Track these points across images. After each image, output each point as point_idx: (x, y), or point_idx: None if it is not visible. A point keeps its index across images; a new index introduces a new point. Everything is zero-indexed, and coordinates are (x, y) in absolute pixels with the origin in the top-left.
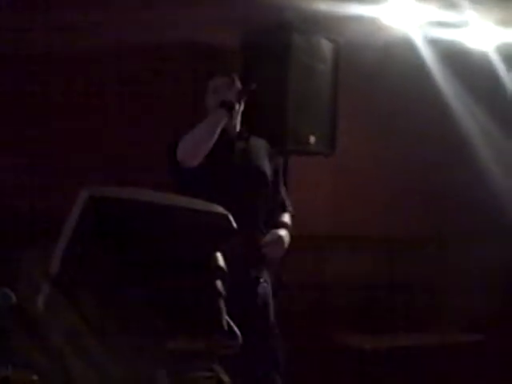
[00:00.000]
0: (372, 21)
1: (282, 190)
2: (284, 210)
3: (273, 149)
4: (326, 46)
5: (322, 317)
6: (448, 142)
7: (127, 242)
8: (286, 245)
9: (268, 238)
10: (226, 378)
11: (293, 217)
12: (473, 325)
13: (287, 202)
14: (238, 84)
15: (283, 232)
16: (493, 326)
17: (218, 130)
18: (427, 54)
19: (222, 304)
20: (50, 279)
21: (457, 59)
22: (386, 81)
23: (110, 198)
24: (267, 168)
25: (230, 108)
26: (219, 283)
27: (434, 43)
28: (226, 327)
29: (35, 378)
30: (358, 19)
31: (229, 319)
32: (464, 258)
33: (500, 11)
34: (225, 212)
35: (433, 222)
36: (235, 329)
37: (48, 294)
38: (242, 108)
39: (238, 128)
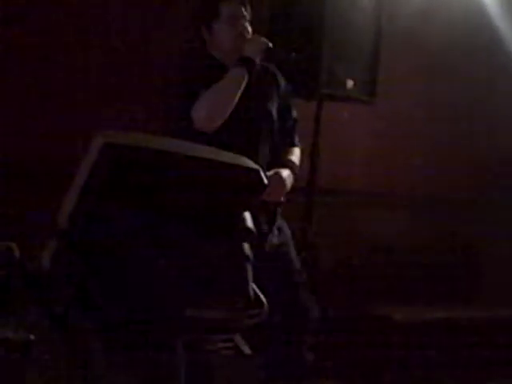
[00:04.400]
0: None
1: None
2: (292, 145)
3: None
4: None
5: (351, 280)
6: (498, 91)
7: (145, 196)
8: (288, 186)
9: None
10: (246, 350)
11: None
12: None
13: (296, 137)
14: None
15: (285, 172)
16: None
17: (239, 93)
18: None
19: (248, 269)
20: (57, 234)
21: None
22: (431, 25)
23: (128, 146)
24: (273, 104)
25: (252, 66)
26: (247, 246)
27: None
28: (251, 295)
29: (32, 337)
30: None
31: (255, 286)
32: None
33: None
34: (255, 166)
35: (476, 183)
36: (262, 297)
37: (55, 249)
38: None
39: None
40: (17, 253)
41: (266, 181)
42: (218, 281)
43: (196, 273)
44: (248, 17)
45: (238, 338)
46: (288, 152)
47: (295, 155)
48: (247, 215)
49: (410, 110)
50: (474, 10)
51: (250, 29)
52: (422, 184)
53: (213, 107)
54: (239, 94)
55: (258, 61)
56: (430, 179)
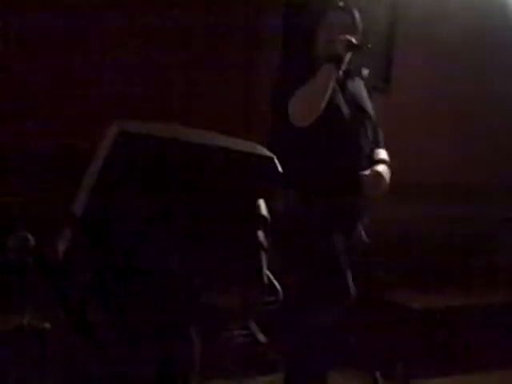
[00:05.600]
0: None
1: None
2: (378, 146)
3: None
4: None
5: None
6: None
7: (161, 184)
8: (387, 181)
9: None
10: (262, 338)
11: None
12: None
13: (381, 138)
14: (358, 22)
15: (381, 167)
16: None
17: (330, 88)
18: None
19: (263, 257)
20: (73, 223)
21: None
22: (449, 13)
23: (144, 135)
24: (369, 105)
25: (339, 62)
26: (261, 234)
27: None
28: (266, 282)
29: (47, 325)
30: None
31: (270, 273)
32: None
33: None
34: (270, 154)
35: (494, 170)
36: (276, 284)
37: (71, 238)
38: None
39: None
40: (32, 241)
41: (280, 169)
42: (233, 268)
43: (210, 260)
44: (354, 26)
45: (254, 326)
46: (377, 152)
47: (384, 154)
48: (262, 203)
49: (425, 98)
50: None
51: (347, 41)
52: (438, 172)
53: (305, 101)
54: (330, 90)
55: (346, 57)
56: (445, 167)
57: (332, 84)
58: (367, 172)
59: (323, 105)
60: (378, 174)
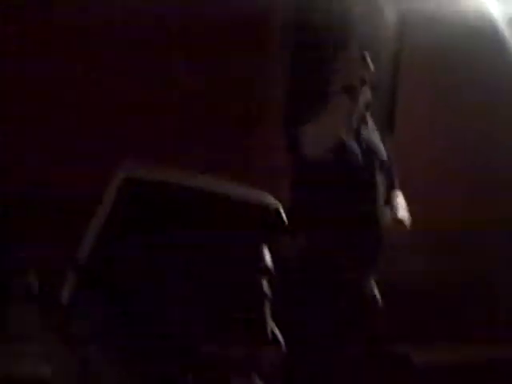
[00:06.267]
0: None
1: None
2: (392, 188)
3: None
4: (389, 14)
5: None
6: None
7: (165, 230)
8: (408, 225)
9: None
10: None
11: None
12: None
13: (396, 182)
14: (369, 62)
15: (401, 213)
16: None
17: (343, 120)
18: (506, 30)
19: (266, 307)
20: (77, 267)
21: None
22: (454, 60)
23: (148, 181)
24: (382, 150)
25: (354, 94)
26: (265, 284)
27: None
28: (269, 334)
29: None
30: None
31: (274, 325)
32: None
33: None
34: (275, 204)
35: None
36: (279, 336)
37: (74, 283)
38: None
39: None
40: (35, 280)
41: (285, 219)
42: (235, 318)
43: (214, 308)
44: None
45: (256, 378)
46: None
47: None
48: (266, 252)
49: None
50: (495, 44)
51: (362, 74)
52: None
53: (318, 130)
54: (342, 122)
55: (359, 90)
56: (447, 209)
57: (345, 115)
58: (388, 217)
59: (335, 135)
60: (401, 222)
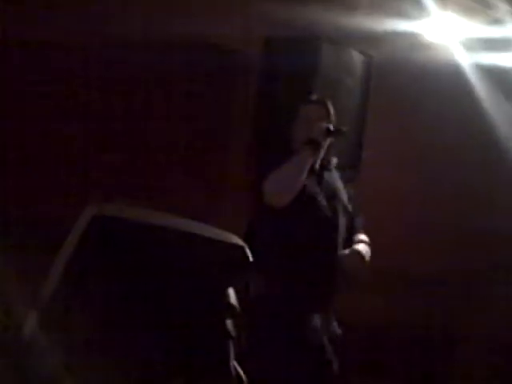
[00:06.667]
0: (412, 37)
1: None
2: (355, 233)
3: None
4: (357, 60)
5: None
6: (494, 172)
7: (132, 268)
8: (367, 258)
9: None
10: None
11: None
12: None
13: (359, 225)
14: (332, 114)
15: (360, 246)
16: None
17: (306, 172)
18: (472, 75)
19: (230, 346)
20: (40, 305)
21: (504, 79)
22: (422, 103)
23: (118, 218)
24: (344, 196)
25: (317, 147)
26: (230, 323)
27: (480, 64)
28: (232, 372)
29: None
30: (397, 34)
31: (236, 364)
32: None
33: None
34: (241, 243)
35: (460, 260)
36: (242, 374)
37: (37, 321)
38: (328, 143)
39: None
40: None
41: (251, 257)
42: (199, 357)
43: (174, 348)
44: (329, 116)
45: None
46: (357, 235)
47: (363, 236)
48: (231, 291)
49: (396, 193)
50: (464, 82)
51: (325, 127)
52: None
53: (280, 182)
54: (306, 174)
55: (323, 143)
56: (409, 254)
57: (308, 167)
58: (346, 251)
59: (298, 186)
60: (358, 253)
